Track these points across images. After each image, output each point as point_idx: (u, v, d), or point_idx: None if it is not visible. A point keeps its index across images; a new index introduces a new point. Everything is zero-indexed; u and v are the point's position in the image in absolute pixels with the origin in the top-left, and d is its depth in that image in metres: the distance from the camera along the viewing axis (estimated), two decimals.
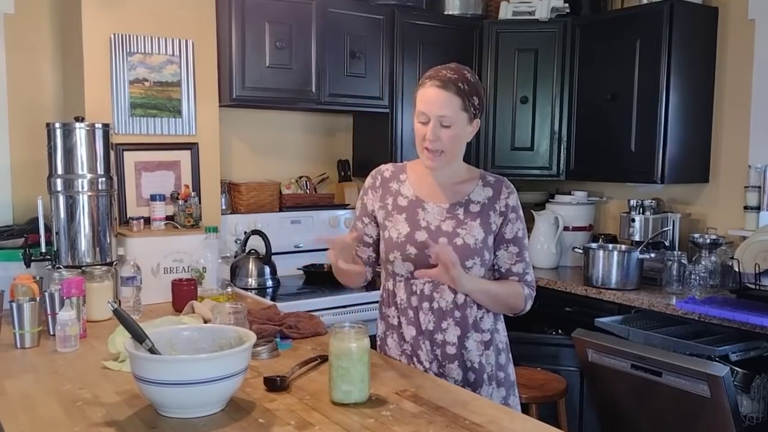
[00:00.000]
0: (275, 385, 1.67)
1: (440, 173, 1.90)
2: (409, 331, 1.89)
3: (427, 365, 1.87)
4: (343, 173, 3.89)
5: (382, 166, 2.01)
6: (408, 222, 1.88)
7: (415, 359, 1.89)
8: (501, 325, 1.96)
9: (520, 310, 1.91)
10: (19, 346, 2.04)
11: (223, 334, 1.67)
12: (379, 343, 2.01)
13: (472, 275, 1.83)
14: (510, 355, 1.99)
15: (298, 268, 3.46)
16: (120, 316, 1.60)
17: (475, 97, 1.83)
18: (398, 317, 1.91)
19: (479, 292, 1.83)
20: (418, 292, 1.87)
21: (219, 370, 1.46)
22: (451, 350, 1.86)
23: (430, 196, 1.90)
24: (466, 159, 1.97)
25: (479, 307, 1.88)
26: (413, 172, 1.96)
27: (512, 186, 1.94)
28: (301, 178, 3.73)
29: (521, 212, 1.93)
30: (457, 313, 1.86)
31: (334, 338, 1.58)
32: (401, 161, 3.56)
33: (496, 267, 1.91)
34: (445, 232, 1.85)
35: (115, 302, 2.05)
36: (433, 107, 1.80)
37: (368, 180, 2.00)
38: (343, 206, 3.76)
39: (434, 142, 1.80)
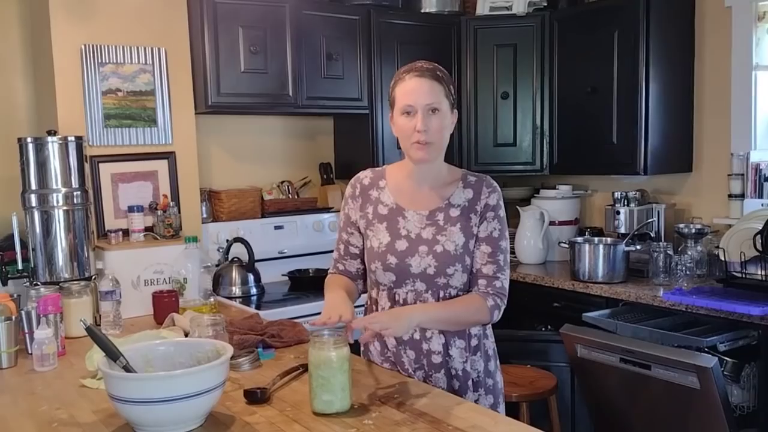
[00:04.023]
0: (256, 397, 1.64)
1: (421, 175, 1.86)
2: (390, 340, 1.86)
3: (412, 373, 1.84)
4: (325, 176, 3.86)
5: (361, 174, 1.97)
6: (388, 231, 1.84)
7: (398, 367, 1.86)
8: (489, 331, 1.92)
9: (487, 323, 1.83)
10: None
11: (200, 348, 1.63)
12: (362, 348, 1.98)
13: (414, 310, 1.74)
14: (498, 362, 1.94)
15: (283, 275, 3.43)
16: (93, 333, 1.56)
17: (451, 86, 1.82)
18: None
19: (431, 322, 1.77)
20: (401, 301, 1.84)
21: (195, 385, 1.42)
22: (436, 359, 1.83)
23: (411, 203, 1.86)
24: (450, 156, 1.93)
25: None
26: (392, 178, 1.92)
27: (494, 185, 1.88)
28: (282, 183, 3.69)
29: (502, 212, 1.86)
30: None
31: (312, 347, 1.55)
32: (383, 161, 3.58)
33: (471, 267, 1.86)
34: (425, 239, 1.81)
35: (92, 320, 2.02)
36: (419, 97, 1.76)
37: (348, 189, 1.96)
38: (327, 210, 3.73)
39: (425, 133, 1.75)
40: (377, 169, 1.97)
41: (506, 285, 1.84)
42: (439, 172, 1.88)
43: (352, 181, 1.96)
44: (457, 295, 1.82)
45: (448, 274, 1.79)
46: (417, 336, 1.83)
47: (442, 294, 1.81)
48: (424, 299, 1.81)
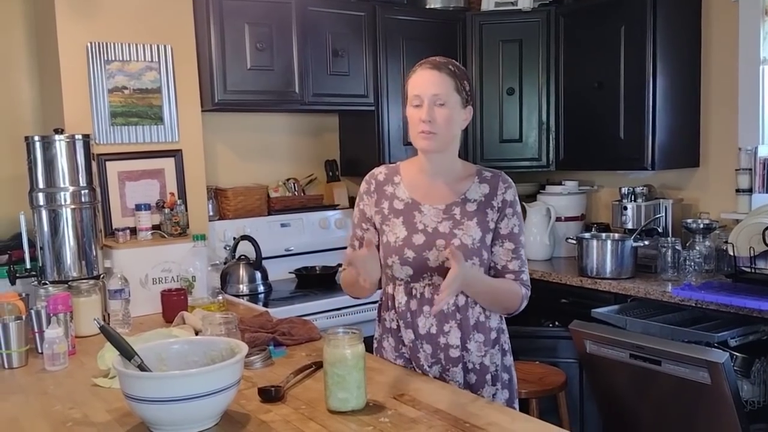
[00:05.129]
0: (270, 395, 1.63)
1: (435, 169, 1.87)
2: (408, 335, 1.85)
3: (428, 369, 1.83)
4: (331, 173, 3.85)
5: (376, 170, 1.97)
6: (405, 225, 1.84)
7: (413, 363, 1.85)
8: (505, 326, 1.94)
9: (513, 311, 1.86)
10: (6, 366, 1.99)
11: (214, 346, 1.63)
12: (375, 345, 1.98)
13: (474, 268, 1.79)
14: (512, 358, 1.95)
15: (290, 272, 3.43)
16: (107, 332, 1.56)
17: (465, 82, 1.82)
18: (396, 321, 1.88)
19: (477, 282, 1.77)
20: (418, 295, 1.83)
21: (210, 384, 1.41)
22: (454, 353, 1.82)
23: (426, 197, 1.87)
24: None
25: (482, 307, 1.85)
26: (407, 174, 1.92)
27: (510, 180, 1.90)
28: (288, 180, 3.69)
29: (518, 208, 1.88)
30: (458, 316, 1.82)
31: (327, 345, 1.55)
32: (389, 158, 3.57)
33: (491, 264, 1.86)
34: (442, 233, 1.81)
35: (101, 318, 2.01)
36: (427, 87, 1.77)
37: (363, 185, 1.97)
38: (333, 207, 3.72)
39: (429, 123, 1.77)
40: (391, 165, 1.98)
41: (530, 278, 1.88)
42: (452, 167, 1.89)
43: (367, 177, 1.96)
44: None
45: None
46: (434, 330, 1.83)
47: None
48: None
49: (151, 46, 2.95)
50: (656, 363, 2.62)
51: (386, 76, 3.57)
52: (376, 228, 1.93)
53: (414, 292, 1.84)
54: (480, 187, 1.86)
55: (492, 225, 1.84)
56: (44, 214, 2.49)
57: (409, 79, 1.83)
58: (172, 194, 2.97)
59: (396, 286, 1.88)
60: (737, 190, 3.24)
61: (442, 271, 1.79)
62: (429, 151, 1.83)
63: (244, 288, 3.13)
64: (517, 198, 1.88)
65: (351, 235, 1.99)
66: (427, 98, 1.77)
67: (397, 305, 1.87)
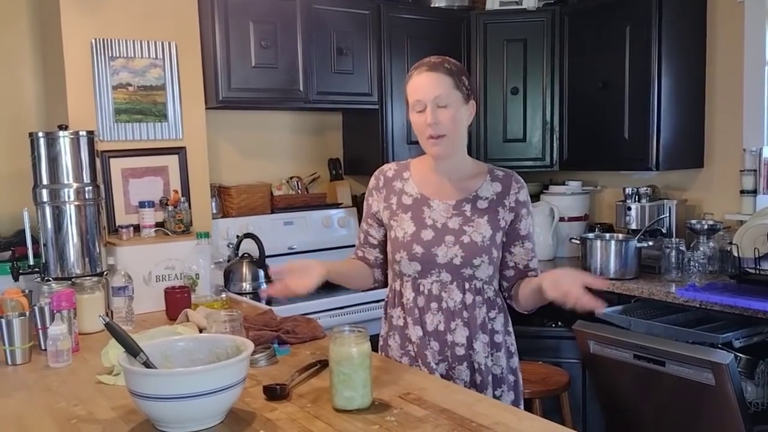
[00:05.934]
0: (275, 393, 1.62)
1: (445, 168, 1.87)
2: (415, 332, 1.85)
3: (434, 366, 1.83)
4: (334, 172, 3.85)
5: (385, 166, 1.98)
6: (413, 221, 1.85)
7: (420, 360, 1.85)
8: (511, 328, 1.94)
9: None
10: (9, 363, 1.98)
11: (220, 344, 1.62)
12: (381, 343, 1.98)
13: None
14: (518, 360, 1.96)
15: None
16: (112, 329, 1.55)
17: (463, 77, 1.81)
18: (404, 318, 1.88)
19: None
20: (426, 292, 1.83)
21: (216, 382, 1.41)
22: (460, 351, 1.82)
23: (436, 193, 1.87)
24: None
25: (488, 308, 1.85)
26: (417, 170, 1.93)
27: (522, 180, 1.91)
28: (291, 178, 3.68)
29: (531, 207, 1.91)
30: (465, 314, 1.82)
31: (333, 343, 1.54)
32: (392, 157, 3.57)
33: (511, 264, 1.88)
34: (451, 229, 1.82)
35: (106, 315, 2.01)
36: (426, 91, 1.77)
37: (372, 181, 1.98)
38: (336, 205, 3.72)
39: (435, 126, 1.77)
40: (401, 162, 1.99)
41: None
42: (462, 166, 1.89)
43: (376, 173, 1.98)
44: (483, 288, 1.84)
45: (474, 265, 1.80)
46: (442, 327, 1.83)
47: (467, 285, 1.82)
48: (449, 290, 1.82)
49: (155, 43, 2.94)
50: (660, 364, 2.61)
51: (390, 74, 3.56)
52: (381, 224, 1.94)
53: (422, 288, 1.84)
54: (492, 185, 1.87)
55: (503, 224, 1.85)
56: (48, 210, 2.48)
57: (407, 84, 1.83)
58: (176, 192, 2.97)
59: (403, 283, 1.88)
60: (741, 191, 3.23)
61: (451, 267, 1.79)
62: (442, 157, 1.84)
63: (247, 286, 3.12)
64: (529, 198, 1.90)
65: (359, 227, 2.03)
66: (429, 101, 1.77)
67: (404, 302, 1.87)
